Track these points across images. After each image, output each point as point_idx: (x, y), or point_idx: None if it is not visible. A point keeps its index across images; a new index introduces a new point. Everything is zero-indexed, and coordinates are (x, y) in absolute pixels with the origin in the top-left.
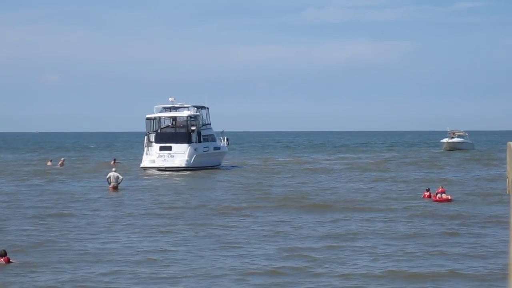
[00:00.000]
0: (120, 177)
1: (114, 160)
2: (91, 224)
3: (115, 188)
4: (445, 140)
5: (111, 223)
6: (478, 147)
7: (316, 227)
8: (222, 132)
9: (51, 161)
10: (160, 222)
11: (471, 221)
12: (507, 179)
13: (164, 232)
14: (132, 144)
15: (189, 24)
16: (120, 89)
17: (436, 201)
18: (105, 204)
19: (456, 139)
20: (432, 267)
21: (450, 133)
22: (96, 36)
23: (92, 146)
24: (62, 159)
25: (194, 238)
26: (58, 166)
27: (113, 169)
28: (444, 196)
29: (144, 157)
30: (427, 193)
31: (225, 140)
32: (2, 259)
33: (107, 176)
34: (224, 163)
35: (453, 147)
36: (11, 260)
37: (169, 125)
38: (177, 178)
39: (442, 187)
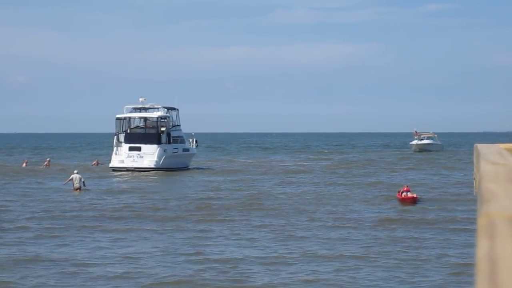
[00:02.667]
0: (82, 178)
1: (97, 161)
2: (38, 227)
3: (79, 189)
4: (414, 142)
5: (64, 224)
6: (449, 148)
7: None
8: (192, 134)
9: (26, 162)
10: (115, 223)
11: (436, 224)
12: (474, 181)
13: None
14: (105, 145)
15: (158, 24)
16: (90, 89)
17: (402, 199)
18: (61, 204)
19: (425, 141)
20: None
21: (415, 134)
22: (65, 36)
23: (68, 146)
24: (48, 159)
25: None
26: (44, 167)
27: (75, 171)
28: (409, 194)
29: (113, 157)
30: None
31: (194, 142)
32: None
33: (69, 178)
34: (192, 164)
35: (423, 149)
36: None
37: (139, 126)
38: (144, 179)
39: (407, 186)
